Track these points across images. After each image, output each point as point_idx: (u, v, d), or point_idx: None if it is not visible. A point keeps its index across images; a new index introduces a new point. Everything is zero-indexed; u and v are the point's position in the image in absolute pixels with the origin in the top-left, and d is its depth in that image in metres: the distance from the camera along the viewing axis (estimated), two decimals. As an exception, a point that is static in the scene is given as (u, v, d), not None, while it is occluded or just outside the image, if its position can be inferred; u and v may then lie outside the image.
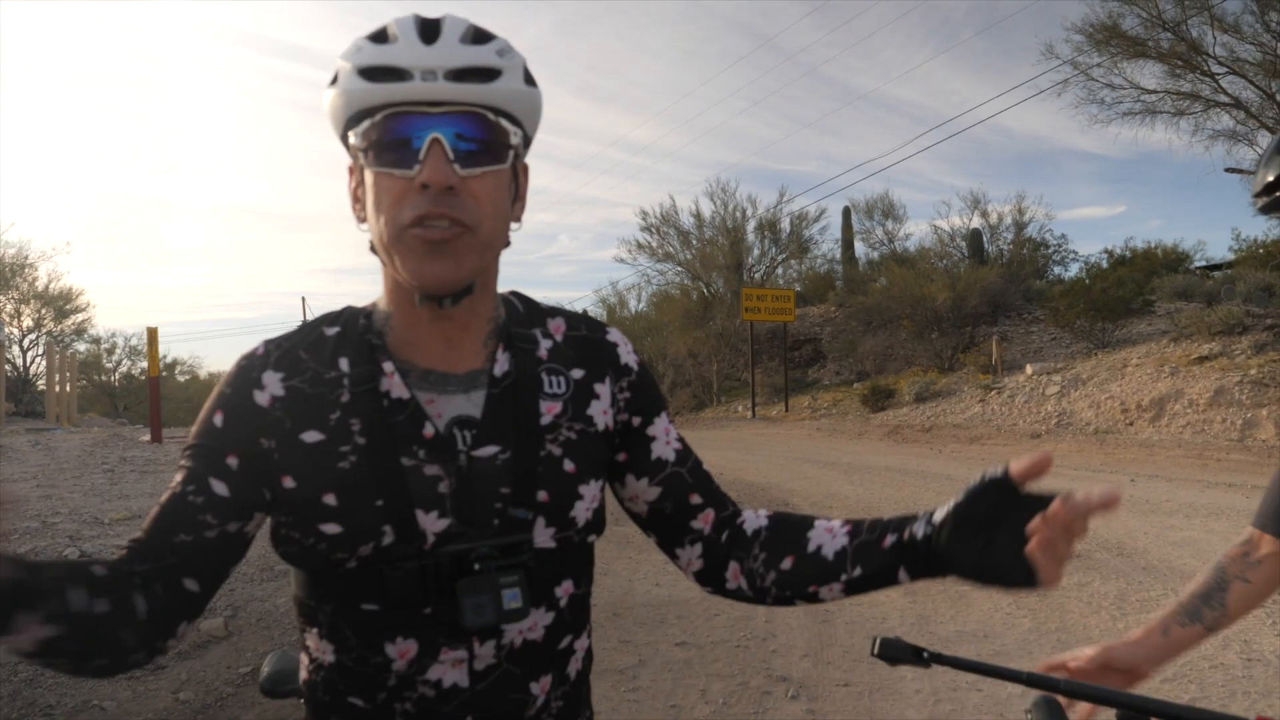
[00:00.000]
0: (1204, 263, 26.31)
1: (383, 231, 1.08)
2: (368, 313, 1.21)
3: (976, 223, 32.43)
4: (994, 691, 4.24)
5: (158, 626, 1.06)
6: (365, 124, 1.07)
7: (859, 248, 37.06)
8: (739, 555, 1.29)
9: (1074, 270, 30.14)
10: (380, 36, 1.08)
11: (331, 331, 1.18)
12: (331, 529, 1.08)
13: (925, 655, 1.49)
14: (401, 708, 1.12)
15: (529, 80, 1.13)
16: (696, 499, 1.30)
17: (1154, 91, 14.85)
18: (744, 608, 5.77)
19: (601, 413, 1.25)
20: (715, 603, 5.57)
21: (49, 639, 0.95)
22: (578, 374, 1.24)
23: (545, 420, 1.19)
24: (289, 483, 1.11)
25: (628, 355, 1.30)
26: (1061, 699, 1.29)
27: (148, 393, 20.70)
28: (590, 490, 1.21)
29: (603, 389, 1.25)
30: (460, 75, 1.05)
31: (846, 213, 36.88)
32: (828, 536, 1.22)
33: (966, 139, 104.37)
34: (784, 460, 14.64)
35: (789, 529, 1.26)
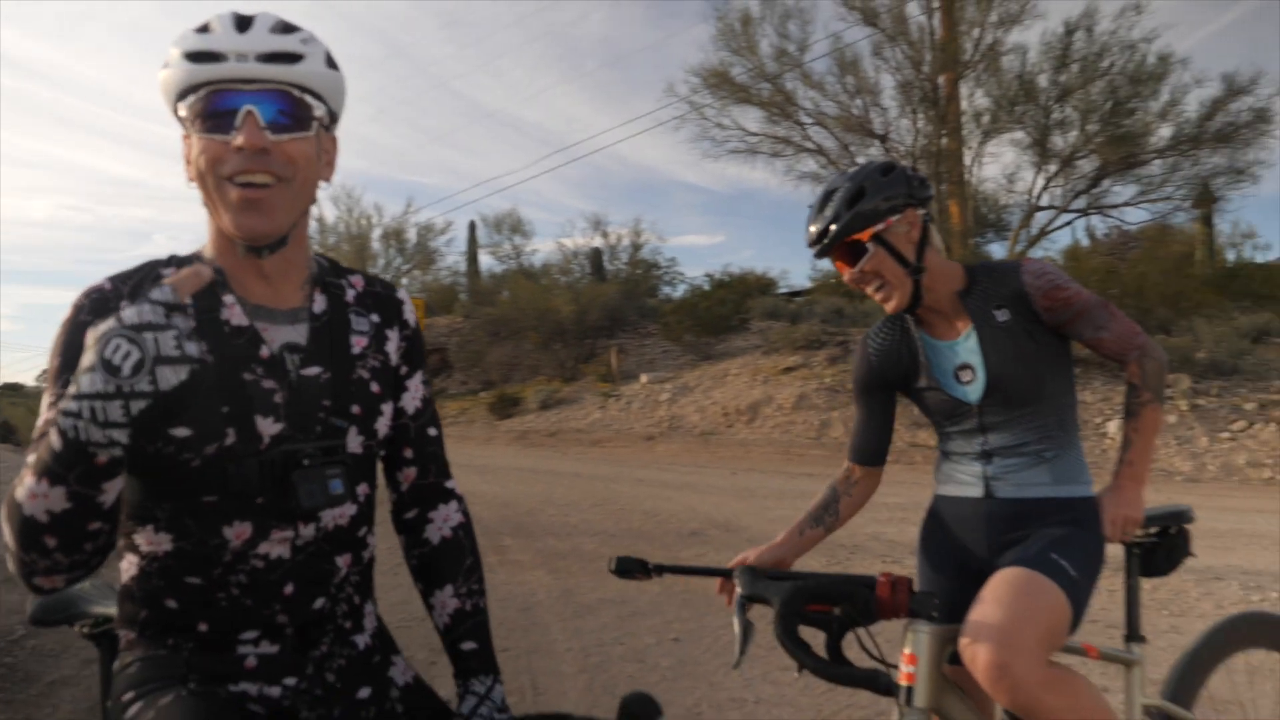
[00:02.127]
0: (787, 288, 29.68)
1: (208, 186, 1.29)
2: (198, 256, 1.41)
3: (598, 242, 34.32)
4: (634, 644, 4.77)
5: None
6: (191, 98, 1.28)
7: (485, 261, 37.75)
8: (409, 538, 1.61)
9: (681, 290, 32.69)
10: (203, 28, 1.29)
11: (168, 271, 1.37)
12: (181, 432, 1.26)
13: (651, 567, 1.88)
14: (236, 579, 1.33)
15: (331, 64, 1.37)
16: (408, 453, 1.58)
17: (755, 134, 16.91)
18: (402, 592, 5.91)
19: (394, 350, 1.53)
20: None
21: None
22: (375, 318, 1.52)
23: (355, 350, 1.46)
24: None
25: (409, 313, 1.58)
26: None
27: None
28: (388, 409, 1.50)
29: (392, 334, 1.54)
30: (269, 58, 1.29)
31: (472, 226, 37.48)
32: (440, 607, 1.56)
33: (587, 164, 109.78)
34: (418, 463, 14.70)
35: (431, 574, 1.58)
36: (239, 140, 1.26)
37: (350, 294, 1.51)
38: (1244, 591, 5.53)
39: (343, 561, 1.42)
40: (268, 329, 1.37)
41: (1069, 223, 17.23)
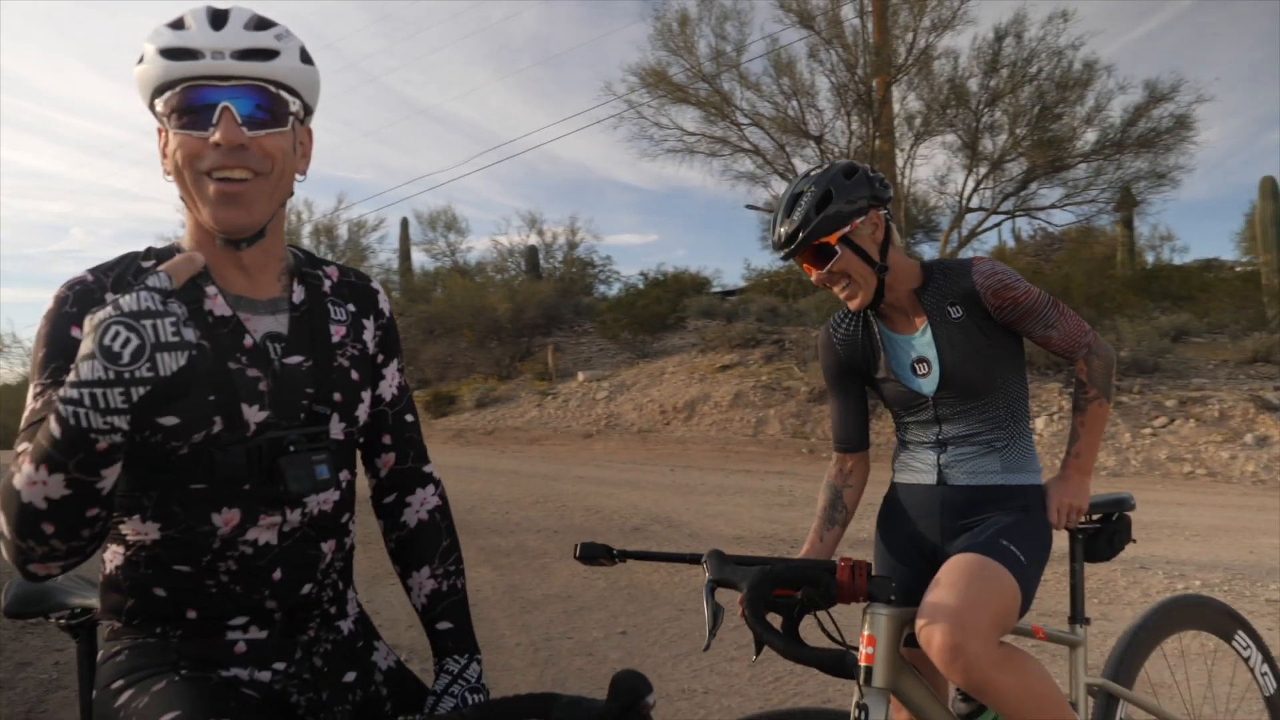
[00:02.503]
0: (720, 288, 29.80)
1: (186, 181, 1.32)
2: (177, 249, 1.42)
3: (534, 240, 34.14)
4: (581, 638, 4.80)
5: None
6: (167, 94, 1.30)
7: (419, 258, 37.29)
8: (387, 522, 1.64)
9: (616, 289, 32.63)
10: (178, 24, 1.31)
11: (148, 264, 1.38)
12: (169, 421, 1.27)
13: (615, 553, 1.91)
14: (225, 566, 1.34)
15: (306, 59, 1.40)
16: (386, 439, 1.61)
17: (693, 134, 16.96)
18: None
19: (371, 339, 1.56)
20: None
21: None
22: (351, 308, 1.54)
23: (335, 339, 1.48)
24: None
25: (384, 303, 1.61)
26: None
27: None
28: (368, 396, 1.52)
29: (368, 323, 1.56)
30: (244, 55, 1.31)
31: (404, 223, 36.82)
32: (417, 588, 1.58)
33: (520, 162, 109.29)
34: (353, 462, 14.53)
35: (408, 556, 1.60)
36: (216, 136, 1.28)
37: (327, 284, 1.53)
38: (1168, 580, 5.75)
39: (328, 547, 1.44)
40: (250, 319, 1.39)
41: (998, 224, 17.70)
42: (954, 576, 1.89)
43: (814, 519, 2.28)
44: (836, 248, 2.10)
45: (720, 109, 16.32)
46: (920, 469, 2.22)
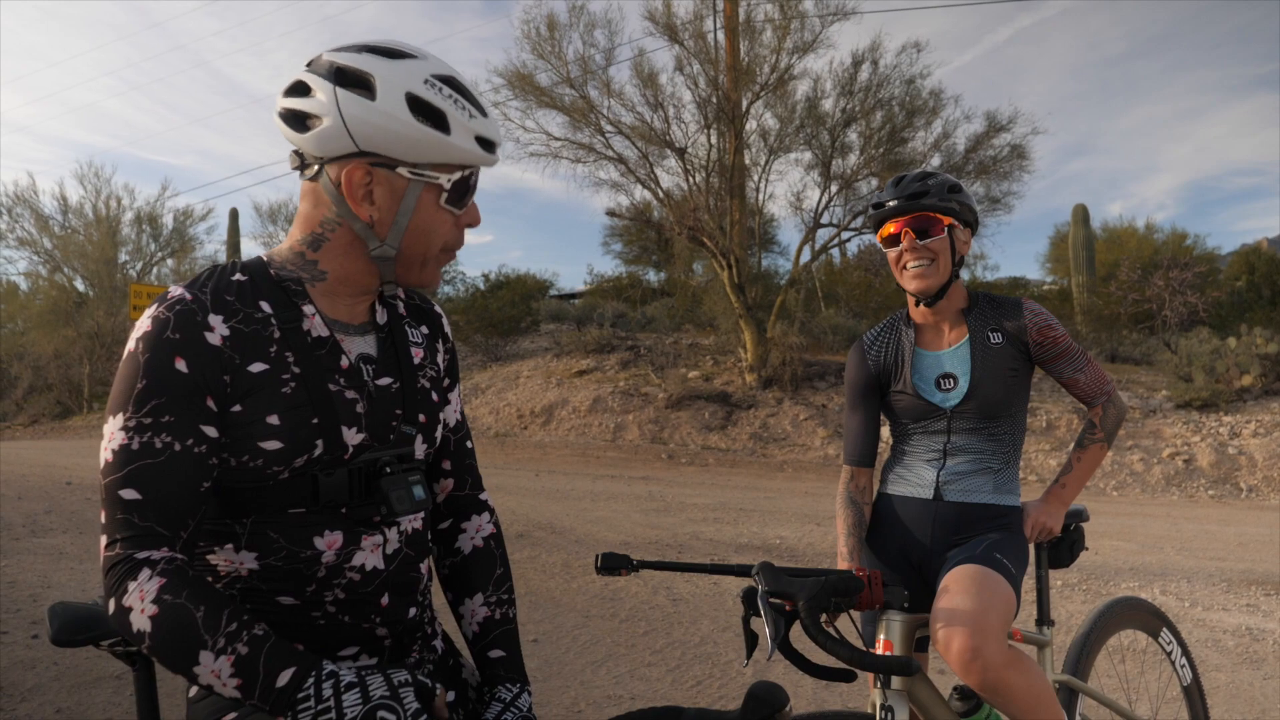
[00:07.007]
0: (558, 291, 29.76)
1: (427, 245, 1.38)
2: (268, 263, 1.39)
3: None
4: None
5: None
6: (459, 174, 1.36)
7: (251, 250, 35.68)
8: (441, 548, 1.63)
9: (459, 289, 32.06)
10: (478, 105, 1.37)
11: (240, 278, 1.35)
12: (272, 445, 1.27)
13: (635, 563, 1.93)
14: (332, 595, 1.33)
15: None
16: (446, 465, 1.62)
17: (558, 139, 16.92)
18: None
19: (441, 362, 1.58)
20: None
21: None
22: (425, 330, 1.57)
23: (416, 361, 1.50)
24: (236, 409, 1.27)
25: (448, 327, 1.65)
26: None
27: None
28: (442, 416, 1.54)
29: (439, 347, 1.59)
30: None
31: (234, 214, 35.33)
32: (469, 615, 1.56)
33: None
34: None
35: (462, 583, 1.59)
36: (470, 218, 1.41)
37: (401, 306, 1.54)
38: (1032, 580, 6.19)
39: (424, 567, 1.46)
40: (344, 339, 1.40)
41: (846, 241, 18.39)
42: (964, 584, 2.04)
43: (845, 536, 2.40)
44: (945, 228, 2.32)
45: (586, 116, 16.38)
46: (917, 484, 2.37)
